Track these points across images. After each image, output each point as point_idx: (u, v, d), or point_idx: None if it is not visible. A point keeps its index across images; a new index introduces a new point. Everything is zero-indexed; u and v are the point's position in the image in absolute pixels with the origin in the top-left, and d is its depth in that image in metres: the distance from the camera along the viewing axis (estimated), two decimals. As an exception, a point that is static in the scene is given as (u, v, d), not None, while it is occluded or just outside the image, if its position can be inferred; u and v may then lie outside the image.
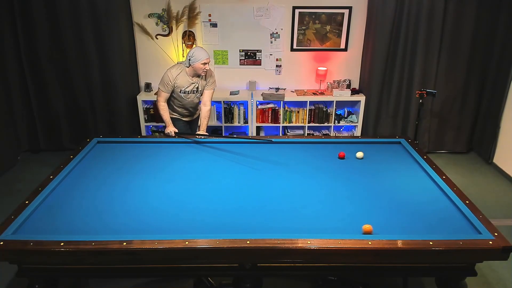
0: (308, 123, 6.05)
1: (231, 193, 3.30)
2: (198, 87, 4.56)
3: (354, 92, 5.98)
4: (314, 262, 2.81)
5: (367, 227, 2.78)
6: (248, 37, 5.87)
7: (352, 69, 6.10)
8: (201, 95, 4.66)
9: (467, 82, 5.86)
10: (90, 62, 5.72)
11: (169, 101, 4.61)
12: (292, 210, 3.07)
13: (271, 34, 5.86)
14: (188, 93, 4.54)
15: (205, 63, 4.37)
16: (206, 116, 4.65)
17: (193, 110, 4.79)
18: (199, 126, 4.70)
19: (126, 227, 2.85)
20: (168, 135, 4.49)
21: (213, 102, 5.24)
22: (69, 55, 5.67)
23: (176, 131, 4.51)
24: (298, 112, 5.99)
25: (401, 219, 2.96)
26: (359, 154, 3.83)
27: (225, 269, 2.87)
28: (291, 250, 2.64)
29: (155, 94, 5.77)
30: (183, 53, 5.79)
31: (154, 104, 5.83)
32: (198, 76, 4.49)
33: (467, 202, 3.09)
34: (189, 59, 4.39)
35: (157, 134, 4.55)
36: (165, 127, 4.58)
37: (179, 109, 4.68)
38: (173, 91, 4.53)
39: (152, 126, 6.00)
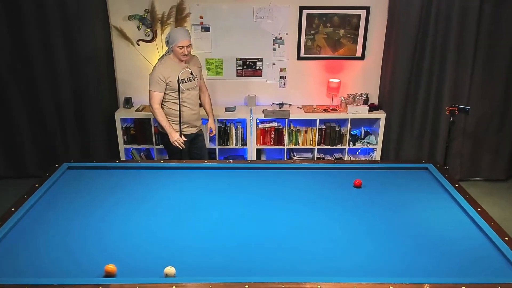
0: (318, 145, 6.09)
1: (226, 228, 3.33)
2: (191, 72, 4.83)
3: (372, 108, 6.03)
4: (325, 310, 2.83)
5: (109, 267, 2.82)
6: (246, 43, 5.92)
7: (370, 81, 6.15)
8: (198, 83, 4.93)
9: (506, 97, 5.88)
10: (59, 72, 5.74)
11: (166, 113, 4.85)
12: (298, 248, 3.11)
13: (274, 40, 5.91)
14: (184, 82, 4.73)
15: (181, 46, 4.61)
16: (209, 102, 5.24)
17: (195, 106, 4.96)
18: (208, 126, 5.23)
19: (102, 268, 2.86)
20: (175, 148, 4.81)
21: (206, 120, 5.31)
22: (35, 64, 5.70)
23: (183, 138, 4.81)
24: (306, 132, 6.04)
25: (428, 259, 2.99)
26: (168, 271, 2.83)
27: (220, 319, 2.89)
28: (297, 296, 2.67)
29: (138, 110, 5.88)
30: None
31: (135, 122, 5.89)
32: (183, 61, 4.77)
33: (507, 239, 3.12)
34: (167, 41, 4.68)
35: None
36: (165, 137, 4.86)
37: (181, 111, 4.78)
38: (165, 96, 4.76)
39: (133, 149, 6.05)
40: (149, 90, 4.73)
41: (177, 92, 4.70)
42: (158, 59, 4.86)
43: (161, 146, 5.79)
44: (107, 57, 5.87)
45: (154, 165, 4.32)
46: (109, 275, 2.81)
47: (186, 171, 4.22)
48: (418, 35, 5.70)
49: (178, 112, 4.76)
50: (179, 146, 4.80)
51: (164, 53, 4.91)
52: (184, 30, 4.73)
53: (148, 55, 5.88)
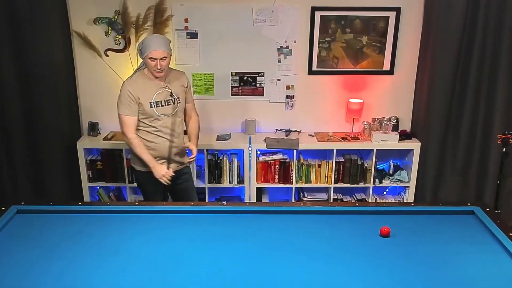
0: (334, 183, 6.15)
1: (218, 287, 3.36)
2: (171, 93, 4.78)
3: (404, 136, 6.09)
4: None
5: None
6: (244, 54, 5.99)
7: (400, 101, 6.23)
8: (181, 107, 4.85)
9: None
10: (6, 90, 5.77)
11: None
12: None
13: (279, 49, 5.99)
14: (160, 106, 4.69)
15: (153, 58, 4.50)
16: (196, 127, 5.11)
17: (177, 138, 4.89)
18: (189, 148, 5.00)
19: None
20: (152, 187, 4.80)
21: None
22: (-26, 81, 5.72)
23: (171, 172, 4.74)
24: (320, 166, 6.10)
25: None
26: None
27: None
28: None
29: (106, 138, 5.90)
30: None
31: (103, 154, 5.93)
32: (162, 78, 4.72)
33: None
34: (139, 50, 4.63)
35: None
36: (140, 174, 4.83)
37: (156, 142, 4.77)
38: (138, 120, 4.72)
39: (100, 187, 6.07)
40: (118, 114, 4.69)
41: (150, 119, 4.69)
42: (132, 74, 4.85)
43: (135, 185, 5.72)
44: (68, 71, 5.91)
45: (127, 209, 4.35)
46: None
47: (168, 216, 4.24)
48: (462, 44, 5.74)
49: (153, 143, 4.76)
50: (167, 182, 4.74)
51: (138, 66, 4.91)
52: (161, 38, 4.70)
53: (119, 68, 5.90)
